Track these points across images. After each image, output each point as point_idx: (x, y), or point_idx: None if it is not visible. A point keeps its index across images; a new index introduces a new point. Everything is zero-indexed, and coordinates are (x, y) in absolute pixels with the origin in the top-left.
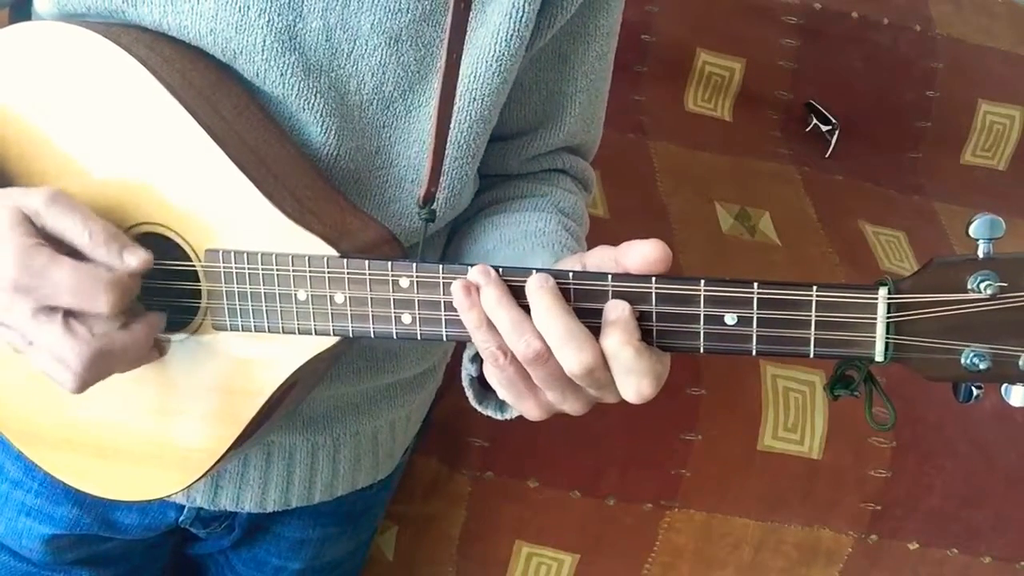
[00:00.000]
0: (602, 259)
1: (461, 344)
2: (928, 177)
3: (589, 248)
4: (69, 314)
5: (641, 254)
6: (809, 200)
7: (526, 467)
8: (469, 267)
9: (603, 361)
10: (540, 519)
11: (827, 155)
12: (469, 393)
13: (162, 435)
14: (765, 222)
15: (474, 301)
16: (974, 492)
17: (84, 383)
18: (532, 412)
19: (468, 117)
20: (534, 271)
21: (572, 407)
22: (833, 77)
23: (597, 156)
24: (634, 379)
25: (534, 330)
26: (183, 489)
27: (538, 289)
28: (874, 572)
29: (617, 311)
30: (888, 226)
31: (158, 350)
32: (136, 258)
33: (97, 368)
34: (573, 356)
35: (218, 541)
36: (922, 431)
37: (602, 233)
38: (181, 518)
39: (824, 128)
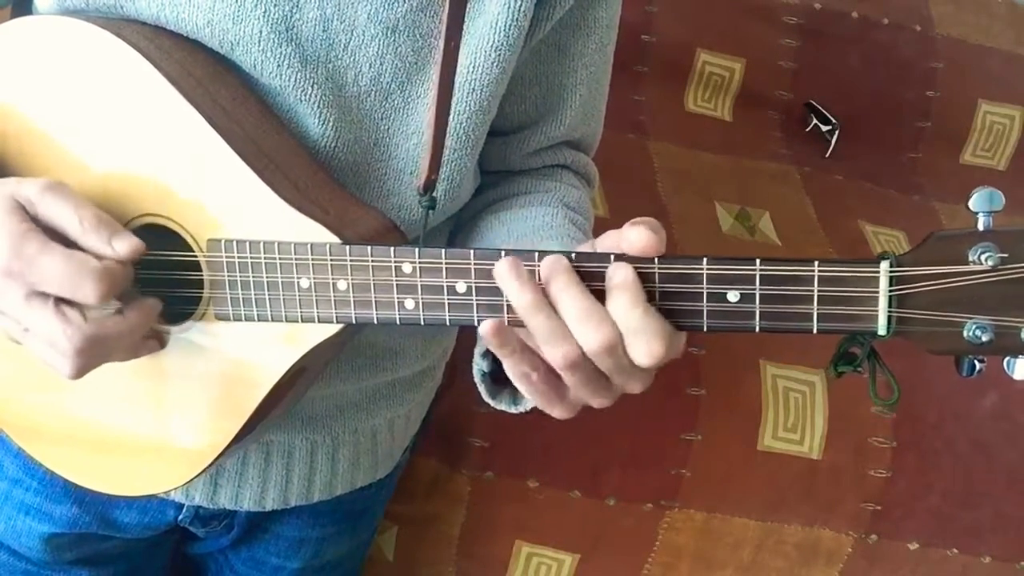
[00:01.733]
0: (611, 247)
1: (461, 344)
2: (928, 177)
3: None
4: (61, 300)
5: (629, 243)
6: (809, 200)
7: (526, 467)
8: (472, 251)
9: (620, 338)
10: (540, 519)
11: (827, 155)
12: (481, 388)
13: (164, 429)
14: (765, 222)
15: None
16: (974, 492)
17: (79, 369)
18: (563, 414)
19: (467, 107)
20: (536, 252)
21: (600, 402)
22: (833, 77)
23: (597, 156)
24: (643, 339)
25: (571, 336)
26: (186, 483)
27: (554, 267)
28: (874, 572)
29: (620, 274)
30: (888, 226)
31: (157, 341)
32: (125, 245)
33: (91, 353)
34: (591, 334)
35: (217, 540)
36: (922, 431)
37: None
38: (180, 517)
39: (824, 128)
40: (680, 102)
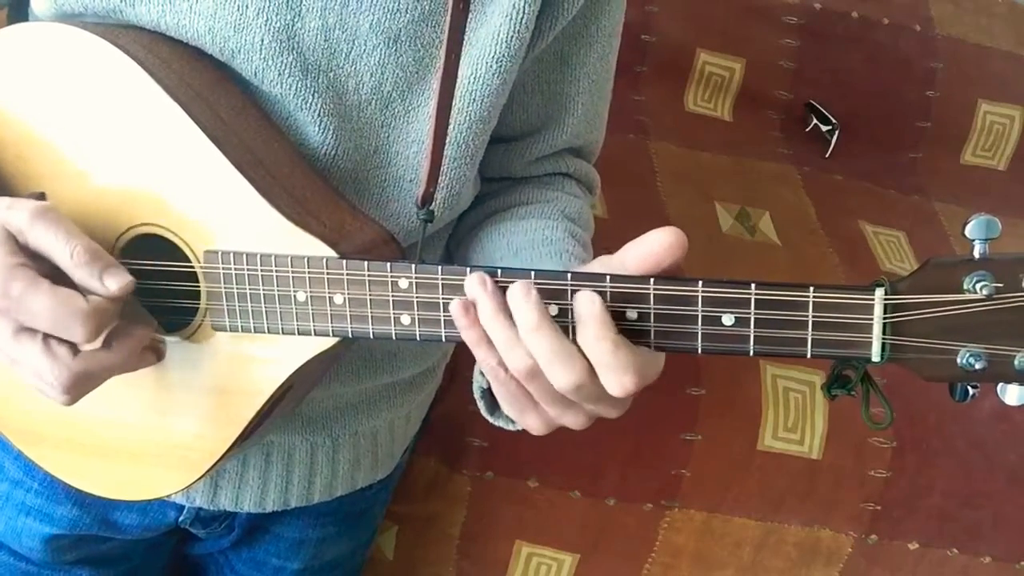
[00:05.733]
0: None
1: (462, 345)
2: (928, 177)
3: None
4: (50, 336)
5: (659, 245)
6: (809, 200)
7: (526, 467)
8: (469, 268)
9: (590, 375)
10: (540, 519)
11: (827, 155)
12: (480, 405)
13: (163, 435)
14: (765, 222)
15: (473, 320)
16: (974, 492)
17: (70, 400)
18: (534, 427)
19: (467, 118)
20: (532, 272)
21: (573, 422)
22: (833, 77)
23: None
24: (613, 374)
25: (521, 344)
26: (184, 489)
27: (523, 302)
28: (874, 572)
29: (587, 307)
30: (888, 226)
31: (154, 355)
32: (116, 282)
33: (81, 387)
34: (560, 374)
35: (218, 541)
36: (922, 431)
37: (602, 233)
38: (181, 518)
39: (824, 128)
40: (680, 102)
